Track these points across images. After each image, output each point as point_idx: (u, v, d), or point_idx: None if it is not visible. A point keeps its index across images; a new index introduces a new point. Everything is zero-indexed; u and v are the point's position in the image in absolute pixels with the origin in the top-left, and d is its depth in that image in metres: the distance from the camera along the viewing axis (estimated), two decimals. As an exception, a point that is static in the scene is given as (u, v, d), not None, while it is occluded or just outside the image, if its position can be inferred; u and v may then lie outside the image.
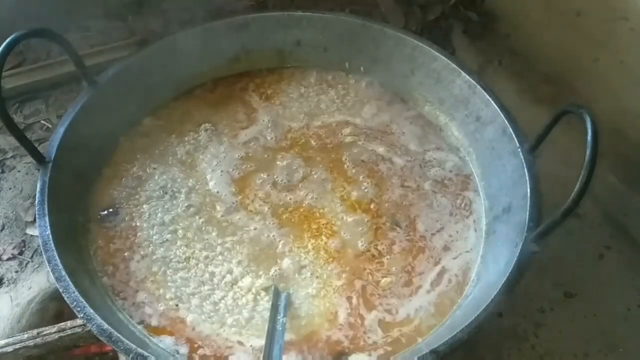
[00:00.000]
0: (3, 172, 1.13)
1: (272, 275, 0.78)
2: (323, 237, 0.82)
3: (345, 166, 0.90)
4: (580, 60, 1.06)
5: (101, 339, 0.65)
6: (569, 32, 1.06)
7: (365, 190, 0.87)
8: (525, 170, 0.77)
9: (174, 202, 0.85)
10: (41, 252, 0.71)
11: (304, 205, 0.85)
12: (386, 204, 0.85)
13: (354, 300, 0.76)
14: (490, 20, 1.25)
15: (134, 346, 0.63)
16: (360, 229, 0.83)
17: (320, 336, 0.73)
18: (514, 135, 0.80)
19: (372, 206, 0.85)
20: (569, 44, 1.07)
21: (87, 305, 0.66)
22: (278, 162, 0.90)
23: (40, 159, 0.76)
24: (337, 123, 0.96)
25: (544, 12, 1.11)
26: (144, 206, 0.84)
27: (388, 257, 0.80)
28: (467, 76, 0.89)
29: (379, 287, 0.77)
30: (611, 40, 0.98)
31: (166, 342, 0.72)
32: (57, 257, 0.70)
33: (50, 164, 0.76)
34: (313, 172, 0.89)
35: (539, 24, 1.14)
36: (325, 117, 0.96)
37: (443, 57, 0.91)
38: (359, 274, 0.79)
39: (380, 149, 0.92)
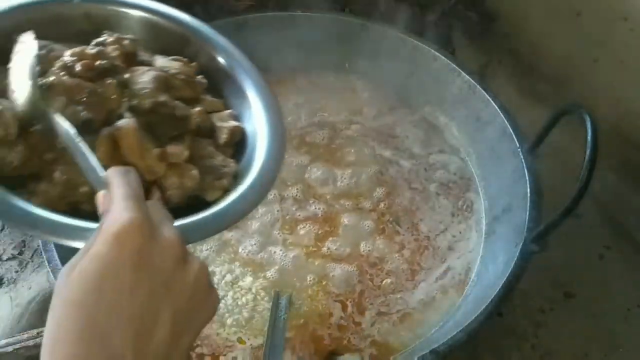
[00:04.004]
0: (3, 172, 1.13)
1: (273, 275, 0.78)
2: (325, 238, 0.82)
3: (349, 166, 0.90)
4: (580, 60, 1.06)
5: (101, 339, 0.64)
6: (569, 32, 1.06)
7: (370, 191, 0.87)
8: (525, 170, 0.77)
9: (174, 202, 0.85)
10: (41, 252, 0.71)
11: (306, 205, 0.85)
12: (393, 207, 0.85)
13: (352, 302, 0.76)
14: (490, 20, 1.25)
15: (133, 346, 0.63)
16: (364, 231, 0.83)
17: (310, 333, 0.74)
18: (514, 135, 0.81)
19: (379, 207, 0.85)
20: (569, 44, 1.07)
21: (87, 305, 0.66)
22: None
23: (40, 159, 0.76)
24: (338, 123, 0.95)
25: (544, 12, 1.11)
26: (144, 206, 0.84)
27: (392, 256, 0.80)
28: (467, 76, 0.89)
29: (380, 289, 0.77)
30: (611, 40, 0.98)
31: (166, 342, 0.72)
32: (57, 257, 0.70)
33: (50, 164, 0.76)
34: (315, 172, 0.89)
35: (539, 24, 1.14)
36: (326, 117, 0.96)
37: (443, 57, 0.91)
38: (361, 274, 0.79)
39: (387, 152, 0.92)
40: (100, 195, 0.40)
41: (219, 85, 0.64)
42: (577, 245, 1.00)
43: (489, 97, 0.85)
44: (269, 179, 0.55)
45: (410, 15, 1.25)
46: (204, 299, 0.39)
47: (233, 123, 0.60)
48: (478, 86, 0.87)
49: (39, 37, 0.54)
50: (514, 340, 0.92)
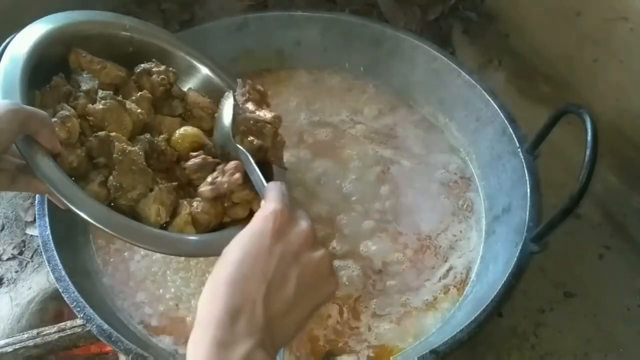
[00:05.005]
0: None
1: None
2: (328, 239, 0.81)
3: (351, 166, 0.89)
4: (580, 60, 1.06)
5: (101, 339, 0.65)
6: (569, 32, 1.06)
7: (373, 191, 0.86)
8: (525, 170, 0.77)
9: (174, 202, 0.85)
10: (41, 252, 0.72)
11: (308, 205, 0.84)
12: (396, 206, 0.85)
13: (348, 307, 0.76)
14: (490, 20, 1.25)
15: (134, 346, 0.63)
16: (367, 231, 0.82)
17: (308, 332, 0.73)
18: (514, 135, 0.80)
19: (381, 207, 0.84)
20: (569, 44, 1.07)
21: (87, 305, 0.66)
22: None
23: (40, 159, 0.76)
24: (339, 123, 0.95)
25: (544, 12, 1.11)
26: (144, 206, 0.84)
27: (395, 256, 0.80)
28: (467, 76, 0.89)
29: (384, 290, 0.77)
30: (611, 40, 0.98)
31: (166, 342, 0.72)
32: (57, 257, 0.70)
33: (50, 164, 0.76)
34: (317, 172, 0.88)
35: (539, 24, 1.14)
36: (327, 117, 0.96)
37: (443, 57, 0.91)
38: (364, 275, 0.78)
39: (388, 152, 0.91)
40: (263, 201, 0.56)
41: None
42: (577, 245, 1.00)
43: (489, 97, 0.85)
44: None
45: (410, 15, 1.25)
46: (325, 278, 0.51)
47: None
48: (478, 86, 0.87)
49: (89, 52, 0.69)
50: (514, 340, 0.92)
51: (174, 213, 0.64)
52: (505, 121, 0.82)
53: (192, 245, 0.63)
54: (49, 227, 0.72)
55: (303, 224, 0.52)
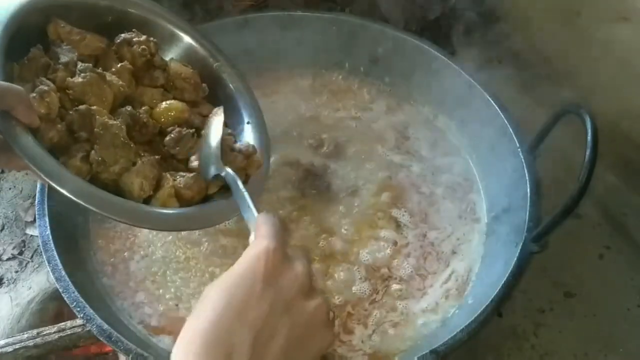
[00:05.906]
0: (3, 172, 1.13)
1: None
2: (329, 239, 0.81)
3: (353, 168, 0.89)
4: (580, 60, 1.06)
5: (101, 339, 0.65)
6: (569, 32, 1.06)
7: (378, 195, 0.86)
8: (525, 170, 0.77)
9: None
10: (41, 252, 0.72)
11: (308, 204, 0.84)
12: (401, 210, 0.84)
13: (340, 321, 0.75)
14: (490, 20, 1.25)
15: (133, 346, 0.63)
16: (371, 233, 0.82)
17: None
18: (514, 135, 0.80)
19: (388, 210, 0.84)
20: (569, 44, 1.07)
21: (87, 305, 0.66)
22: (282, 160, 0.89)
23: (40, 159, 0.76)
24: (339, 123, 0.95)
25: (544, 12, 1.11)
26: (144, 206, 0.84)
27: (399, 261, 0.80)
28: (467, 76, 0.89)
29: (389, 295, 0.76)
30: (611, 40, 0.98)
31: (166, 342, 0.72)
32: (57, 257, 0.70)
33: (50, 164, 0.76)
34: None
35: (539, 24, 1.14)
36: (327, 116, 0.96)
37: (443, 57, 0.91)
38: (367, 279, 0.78)
39: (392, 155, 0.91)
40: (253, 234, 0.50)
41: (215, 93, 0.76)
42: (577, 245, 1.00)
43: (489, 97, 0.85)
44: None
45: (410, 15, 1.25)
46: (319, 331, 0.45)
47: (227, 130, 0.71)
48: (478, 86, 0.87)
49: (67, 22, 0.66)
50: (514, 340, 0.92)
51: (157, 186, 0.63)
52: (505, 121, 0.82)
53: (176, 219, 0.62)
54: (49, 227, 0.72)
55: (298, 267, 0.45)
